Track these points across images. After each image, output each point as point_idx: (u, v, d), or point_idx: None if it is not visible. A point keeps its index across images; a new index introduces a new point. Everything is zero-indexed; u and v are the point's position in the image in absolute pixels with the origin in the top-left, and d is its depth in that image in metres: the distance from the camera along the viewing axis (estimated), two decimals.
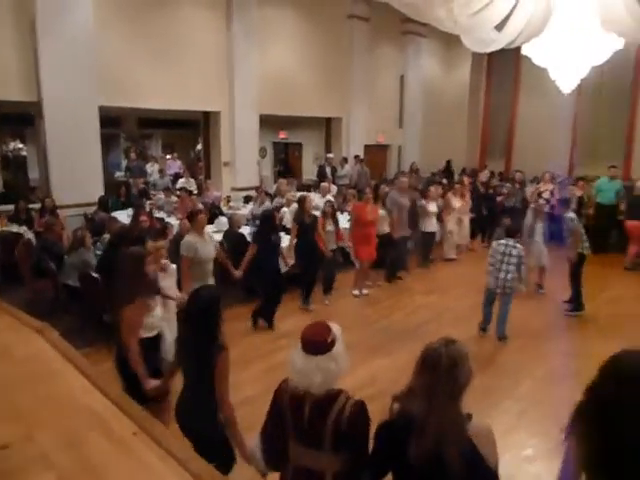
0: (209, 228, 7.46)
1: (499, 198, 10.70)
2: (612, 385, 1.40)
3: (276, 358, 5.01)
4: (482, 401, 4.49)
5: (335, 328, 2.15)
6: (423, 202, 8.93)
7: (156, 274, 3.96)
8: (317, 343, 2.07)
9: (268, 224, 6.17)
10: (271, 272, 6.08)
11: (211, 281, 5.23)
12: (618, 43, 5.60)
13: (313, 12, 11.75)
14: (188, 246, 5.00)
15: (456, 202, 9.50)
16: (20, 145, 14.72)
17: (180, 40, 9.65)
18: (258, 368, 4.92)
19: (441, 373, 1.83)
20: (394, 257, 8.20)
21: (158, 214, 8.52)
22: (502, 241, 5.79)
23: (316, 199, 9.10)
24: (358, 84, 13.13)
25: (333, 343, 2.08)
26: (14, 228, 7.68)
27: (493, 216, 10.37)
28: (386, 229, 7.92)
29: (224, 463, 2.63)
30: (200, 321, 2.75)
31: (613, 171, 10.17)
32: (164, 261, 4.41)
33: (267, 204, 8.61)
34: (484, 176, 12.38)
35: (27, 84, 8.16)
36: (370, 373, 5.00)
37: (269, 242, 6.04)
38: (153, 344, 3.50)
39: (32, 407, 2.01)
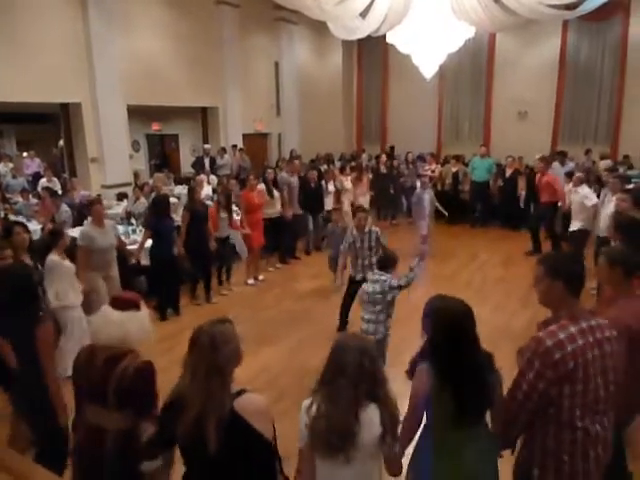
0: (77, 231, 6.90)
1: (402, 179, 11.43)
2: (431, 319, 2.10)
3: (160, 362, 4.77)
4: None
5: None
6: (338, 183, 9.56)
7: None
8: (127, 299, 2.30)
9: (160, 208, 6.13)
10: (167, 259, 6.07)
11: (114, 270, 5.53)
12: (469, 31, 6.02)
13: None
14: (83, 235, 5.27)
15: (348, 184, 9.82)
16: None
17: (26, 26, 8.57)
18: None
19: (200, 350, 1.92)
20: (289, 237, 8.53)
21: (16, 219, 7.62)
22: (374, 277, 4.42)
23: (206, 191, 8.92)
24: (232, 72, 12.81)
25: (139, 306, 2.33)
26: None
27: (396, 196, 11.36)
28: (277, 210, 8.18)
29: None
30: (15, 299, 2.73)
31: (483, 149, 11.05)
32: None
33: (143, 200, 8.10)
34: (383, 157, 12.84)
35: None
36: (261, 363, 5.01)
37: (163, 227, 6.04)
38: None
39: None
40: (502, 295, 6.87)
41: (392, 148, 14.99)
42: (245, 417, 1.84)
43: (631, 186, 7.25)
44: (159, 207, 6.17)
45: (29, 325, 2.70)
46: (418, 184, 9.47)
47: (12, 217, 7.60)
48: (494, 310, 6.25)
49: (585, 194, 7.21)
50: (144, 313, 2.32)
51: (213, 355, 1.89)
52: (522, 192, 10.00)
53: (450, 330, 2.01)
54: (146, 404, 2.17)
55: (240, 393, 1.93)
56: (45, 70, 8.85)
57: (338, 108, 16.30)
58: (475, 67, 14.32)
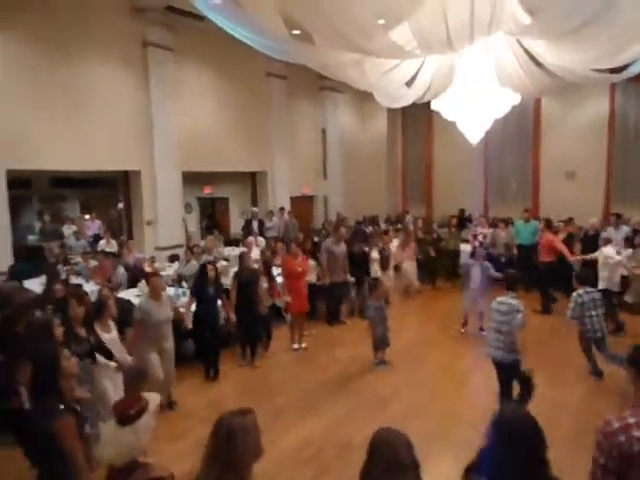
0: (131, 292, 7.14)
1: (442, 243, 11.39)
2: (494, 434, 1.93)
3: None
4: None
5: (152, 400, 2.22)
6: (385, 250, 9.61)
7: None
8: (120, 414, 2.13)
9: (205, 274, 6.31)
10: (208, 325, 6.21)
11: (169, 343, 5.48)
12: (515, 98, 6.08)
13: (231, 70, 11.96)
14: (139, 310, 5.33)
15: (392, 248, 9.88)
16: None
17: (93, 99, 9.36)
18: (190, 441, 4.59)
19: (218, 442, 1.88)
20: (331, 303, 8.64)
21: (75, 280, 7.99)
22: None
23: (255, 253, 9.12)
24: (279, 138, 13.40)
25: (138, 415, 2.13)
26: None
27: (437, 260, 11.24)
28: (313, 279, 8.31)
29: None
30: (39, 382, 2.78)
31: (526, 214, 10.88)
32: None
33: (194, 263, 8.32)
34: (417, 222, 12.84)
35: None
36: (304, 435, 4.86)
37: (206, 293, 6.21)
38: None
39: None
40: (557, 367, 6.50)
41: (462, 211, 14.08)
42: None
43: None
44: (203, 274, 6.36)
45: (48, 422, 2.68)
46: (462, 248, 9.29)
47: (72, 278, 7.97)
48: (549, 383, 5.89)
49: (606, 254, 7.74)
50: (145, 421, 2.17)
51: (229, 448, 1.83)
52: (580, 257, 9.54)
53: (515, 444, 1.84)
54: None
55: None
56: (109, 141, 9.55)
57: (381, 170, 16.60)
58: (521, 128, 14.33)
